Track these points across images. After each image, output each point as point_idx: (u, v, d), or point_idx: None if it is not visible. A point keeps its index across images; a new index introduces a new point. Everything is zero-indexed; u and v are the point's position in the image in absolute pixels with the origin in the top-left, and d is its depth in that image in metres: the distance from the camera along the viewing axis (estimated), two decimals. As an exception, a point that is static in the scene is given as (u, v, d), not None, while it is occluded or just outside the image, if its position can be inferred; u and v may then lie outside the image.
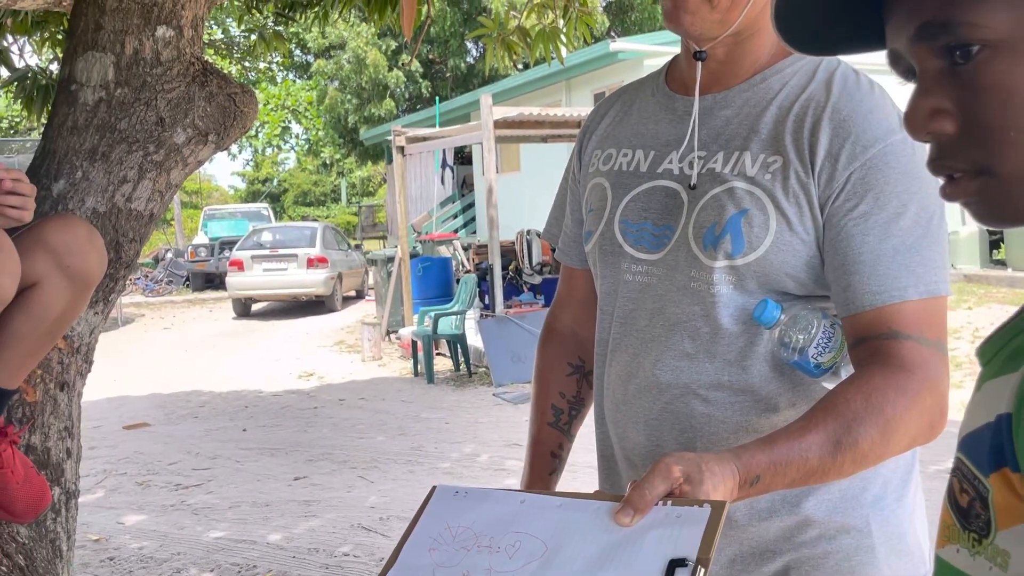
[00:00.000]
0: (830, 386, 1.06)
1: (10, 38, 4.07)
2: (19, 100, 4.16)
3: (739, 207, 1.08)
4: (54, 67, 4.35)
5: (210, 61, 1.95)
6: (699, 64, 1.13)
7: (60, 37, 3.99)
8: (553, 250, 1.42)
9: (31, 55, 4.57)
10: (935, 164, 0.57)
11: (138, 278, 17.86)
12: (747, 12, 1.08)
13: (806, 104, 1.09)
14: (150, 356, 10.45)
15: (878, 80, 1.12)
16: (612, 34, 19.29)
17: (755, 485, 0.92)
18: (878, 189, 1.03)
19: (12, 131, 20.87)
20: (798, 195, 1.06)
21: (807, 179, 1.06)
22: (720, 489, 0.88)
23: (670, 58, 1.27)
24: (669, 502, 0.86)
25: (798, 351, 1.05)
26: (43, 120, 4.00)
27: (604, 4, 20.21)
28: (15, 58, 4.09)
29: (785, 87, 1.12)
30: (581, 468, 1.43)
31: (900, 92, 0.70)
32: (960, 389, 5.38)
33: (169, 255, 19.39)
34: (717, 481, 0.88)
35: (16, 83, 4.05)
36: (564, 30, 4.05)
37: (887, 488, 1.13)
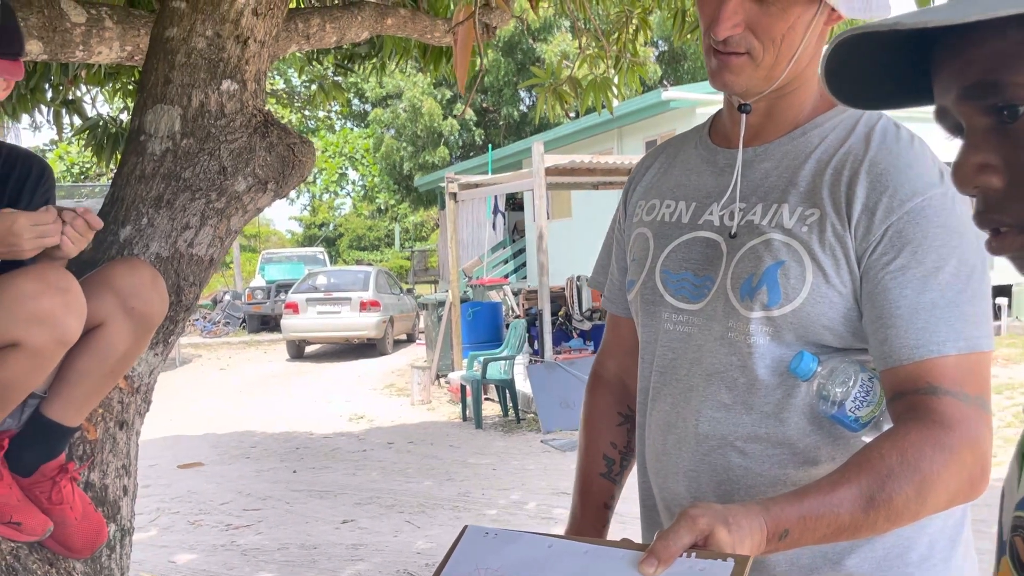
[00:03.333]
0: (870, 440, 1.05)
1: (83, 88, 4.28)
2: (90, 147, 4.35)
3: (776, 258, 1.09)
4: (123, 116, 4.55)
5: (271, 111, 2.03)
6: (743, 116, 1.15)
7: (131, 88, 4.18)
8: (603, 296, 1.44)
9: (102, 105, 4.76)
10: (981, 217, 0.58)
11: (196, 319, 18.27)
12: (791, 68, 1.10)
13: (844, 157, 1.10)
14: (206, 396, 10.65)
15: (922, 128, 1.12)
16: (665, 83, 19.41)
17: (784, 539, 0.91)
18: (916, 243, 1.03)
19: (83, 177, 21.68)
20: (835, 248, 1.07)
21: (843, 232, 1.07)
22: (747, 543, 0.88)
23: (718, 108, 1.29)
24: (694, 554, 0.86)
25: (836, 404, 1.04)
26: (112, 166, 4.18)
27: (657, 54, 20.37)
28: (87, 107, 4.30)
29: (824, 141, 1.13)
30: (630, 519, 1.43)
31: (944, 145, 0.71)
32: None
33: (227, 297, 19.82)
34: (744, 534, 0.88)
35: (88, 131, 4.25)
36: (615, 80, 4.11)
37: (933, 548, 1.10)
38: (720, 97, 1.24)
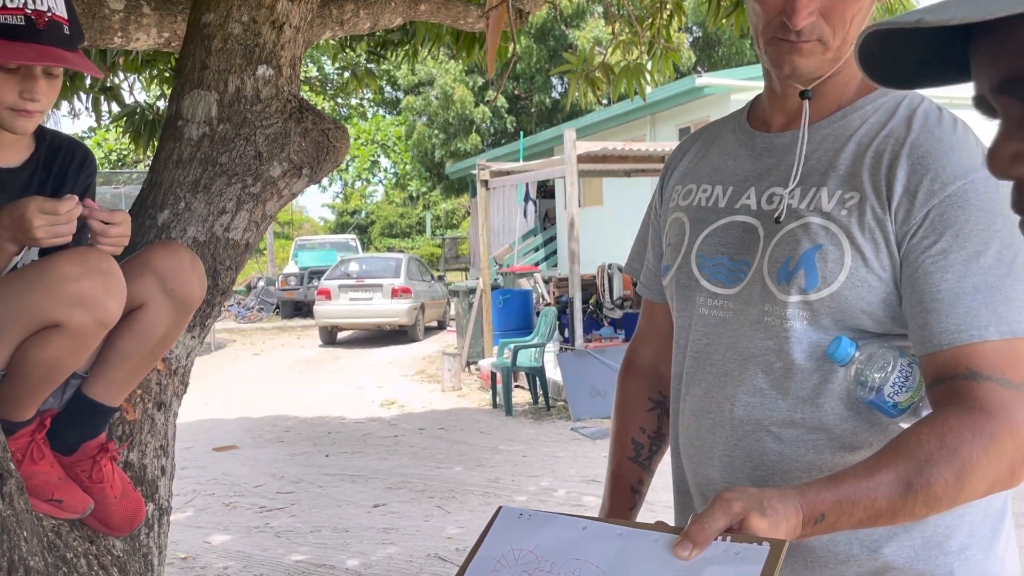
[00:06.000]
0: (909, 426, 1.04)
1: (121, 75, 4.33)
2: (127, 134, 4.41)
3: (813, 242, 1.08)
4: (160, 103, 4.61)
5: (305, 98, 2.04)
6: (806, 103, 1.13)
7: (167, 75, 4.23)
8: (634, 284, 1.44)
9: (139, 92, 4.82)
10: (1018, 206, 0.58)
11: (231, 305, 18.49)
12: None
13: (885, 140, 1.09)
14: (240, 380, 10.78)
15: (965, 114, 1.10)
16: (699, 69, 19.22)
17: (819, 524, 0.91)
18: (958, 227, 1.02)
19: (120, 163, 22.00)
20: (874, 231, 1.06)
21: (883, 215, 1.05)
22: (782, 527, 0.87)
23: (757, 92, 1.28)
24: (729, 537, 0.86)
25: (874, 390, 1.03)
26: (149, 153, 4.23)
27: (690, 39, 20.18)
28: (125, 94, 4.36)
29: (865, 124, 1.12)
30: (660, 507, 1.43)
31: (989, 129, 0.70)
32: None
33: (261, 283, 20.04)
34: (779, 518, 0.87)
35: (125, 118, 4.31)
36: (649, 66, 4.08)
37: (973, 536, 1.09)
38: (756, 84, 1.24)
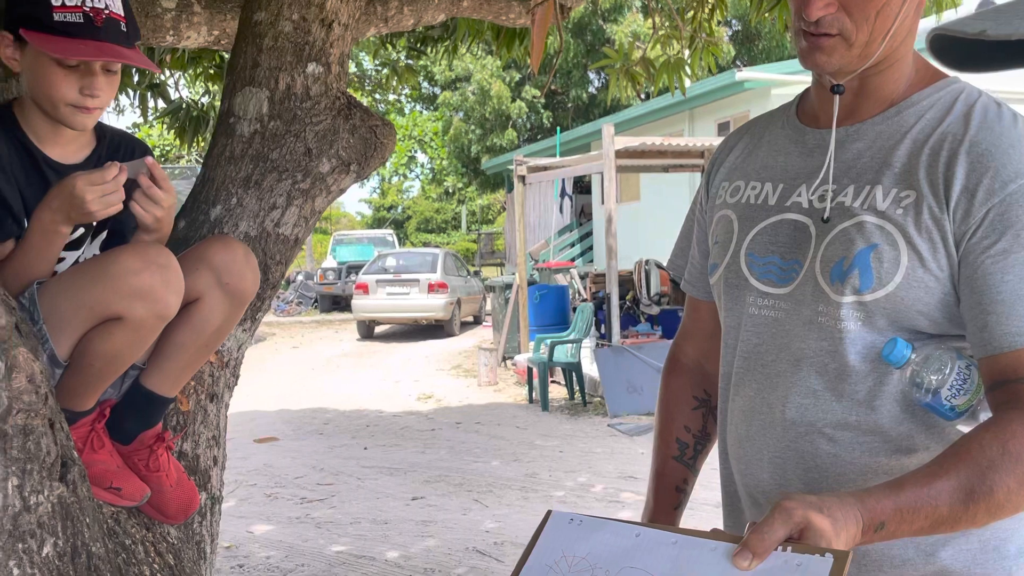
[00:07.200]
0: (966, 429, 1.03)
1: (167, 72, 4.41)
2: (172, 130, 4.49)
3: (868, 242, 1.06)
4: (204, 100, 4.68)
5: (352, 95, 2.07)
6: (836, 97, 1.13)
7: (212, 72, 4.29)
8: (673, 281, 1.43)
9: (184, 88, 4.90)
10: None
11: (270, 299, 18.70)
12: (886, 45, 1.07)
13: (942, 137, 1.07)
14: (280, 373, 10.92)
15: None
16: (738, 63, 19.02)
17: (879, 531, 0.90)
18: (1020, 225, 1.00)
19: (163, 159, 22.35)
20: (931, 231, 1.04)
21: (941, 215, 1.04)
22: (842, 536, 0.86)
23: (798, 87, 1.26)
24: (789, 548, 0.84)
25: (931, 392, 1.02)
26: (192, 149, 4.30)
27: (730, 33, 19.98)
28: (171, 91, 4.43)
29: (921, 120, 1.10)
30: (699, 505, 1.43)
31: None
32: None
33: (300, 277, 20.26)
34: (840, 527, 0.86)
35: (171, 114, 4.38)
36: (689, 60, 4.05)
37: None
38: (796, 79, 1.23)
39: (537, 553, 0.96)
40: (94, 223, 1.60)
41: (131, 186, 1.45)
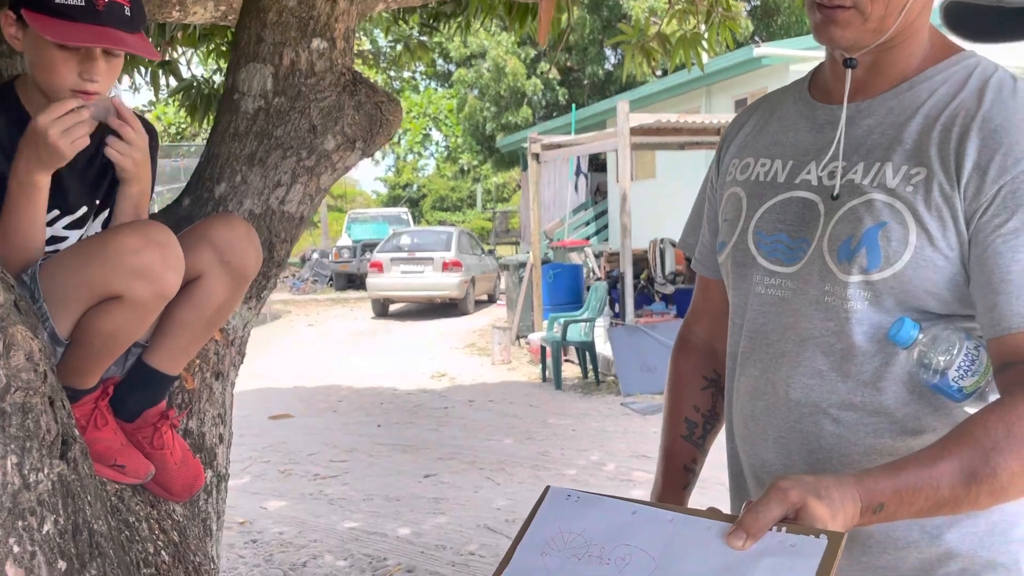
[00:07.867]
0: (974, 411, 1.00)
1: (179, 49, 4.39)
2: (183, 108, 4.48)
3: (877, 220, 1.04)
4: (216, 77, 4.67)
5: (358, 71, 2.05)
6: (848, 72, 1.10)
7: (223, 49, 4.27)
8: (687, 260, 1.41)
9: (196, 66, 4.89)
10: None
11: (286, 276, 18.80)
12: (902, 18, 1.04)
13: (955, 113, 1.04)
14: (295, 351, 10.98)
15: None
16: (756, 39, 18.79)
17: (878, 513, 0.88)
18: None
19: (179, 137, 22.40)
20: (941, 209, 1.01)
21: (952, 192, 1.01)
22: (839, 517, 0.85)
23: (816, 64, 1.24)
24: (784, 528, 0.84)
25: (939, 373, 1.00)
26: (205, 126, 4.30)
27: (748, 8, 19.73)
28: (183, 69, 4.42)
29: (933, 95, 1.07)
30: (711, 484, 1.43)
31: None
32: None
33: (315, 255, 20.32)
34: (836, 508, 0.85)
35: (182, 92, 4.37)
36: (706, 36, 3.99)
37: None
38: (815, 54, 1.20)
39: (534, 528, 0.96)
40: (97, 202, 1.60)
41: (105, 133, 1.44)
